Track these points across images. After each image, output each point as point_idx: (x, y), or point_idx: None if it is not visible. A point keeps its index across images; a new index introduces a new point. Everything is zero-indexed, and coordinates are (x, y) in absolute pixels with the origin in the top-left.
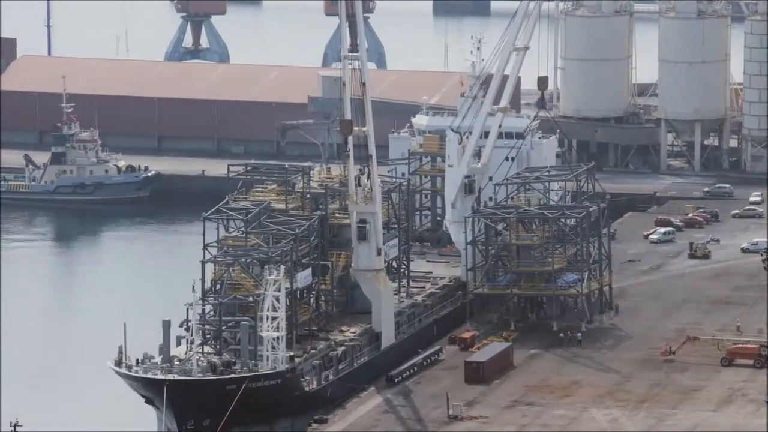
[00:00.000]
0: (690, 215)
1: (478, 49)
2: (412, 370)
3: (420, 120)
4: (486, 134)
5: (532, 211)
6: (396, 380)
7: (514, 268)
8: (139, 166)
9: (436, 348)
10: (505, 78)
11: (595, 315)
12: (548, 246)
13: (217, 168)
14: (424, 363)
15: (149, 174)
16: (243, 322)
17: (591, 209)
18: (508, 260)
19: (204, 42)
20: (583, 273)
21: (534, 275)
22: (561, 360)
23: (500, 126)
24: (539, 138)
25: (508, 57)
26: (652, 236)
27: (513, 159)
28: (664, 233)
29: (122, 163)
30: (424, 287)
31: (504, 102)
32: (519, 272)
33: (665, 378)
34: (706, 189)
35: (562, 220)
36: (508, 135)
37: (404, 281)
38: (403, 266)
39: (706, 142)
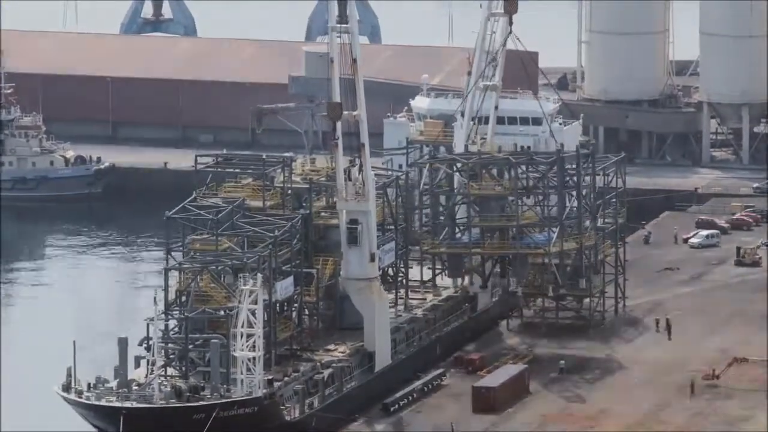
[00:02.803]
0: (737, 215)
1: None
2: (411, 397)
3: (420, 103)
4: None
5: (495, 157)
6: (392, 409)
7: (476, 224)
8: (91, 157)
9: (439, 371)
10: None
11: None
12: (516, 198)
13: (181, 160)
14: (425, 389)
15: (102, 166)
16: (213, 341)
17: (565, 155)
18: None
19: (167, 12)
20: (553, 230)
21: (500, 232)
22: (585, 385)
23: (497, 108)
24: (560, 123)
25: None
26: (692, 240)
27: (529, 148)
28: (707, 237)
29: (70, 154)
30: (425, 299)
31: (497, 78)
32: (481, 228)
33: (707, 406)
34: (756, 185)
35: (531, 167)
36: (524, 120)
37: (402, 292)
38: (401, 274)
39: (755, 130)
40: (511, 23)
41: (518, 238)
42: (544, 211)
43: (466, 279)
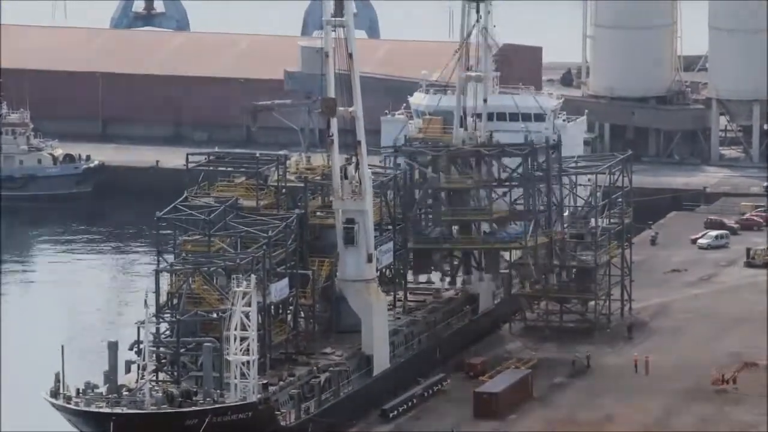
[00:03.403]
0: (747, 215)
1: (489, 13)
2: (410, 403)
3: (418, 99)
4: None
5: (463, 149)
6: (391, 415)
7: (445, 218)
8: (80, 155)
9: (440, 376)
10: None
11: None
12: (487, 191)
13: (174, 158)
14: (425, 394)
15: (92, 165)
16: (206, 344)
17: (538, 146)
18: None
19: (158, 6)
20: (529, 224)
21: (470, 226)
22: (590, 390)
23: (485, 101)
24: (563, 120)
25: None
26: (701, 241)
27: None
28: (716, 237)
29: (59, 152)
30: (424, 301)
31: (483, 70)
32: (450, 222)
33: (717, 412)
34: (766, 184)
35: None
36: (526, 117)
37: (401, 294)
38: (400, 276)
39: (766, 127)
40: (478, 11)
41: (491, 233)
42: (527, 205)
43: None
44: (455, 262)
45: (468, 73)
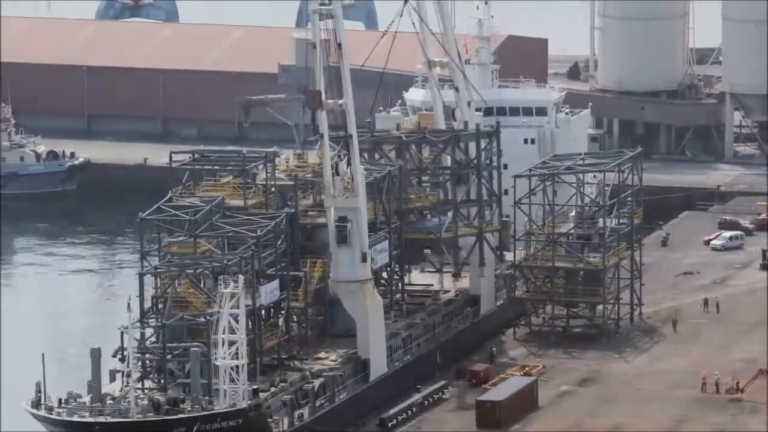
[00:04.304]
0: (763, 215)
1: (486, 3)
2: (409, 412)
3: (414, 95)
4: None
5: (390, 134)
6: (389, 424)
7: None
8: (64, 152)
9: (441, 383)
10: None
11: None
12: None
13: (162, 156)
14: (425, 402)
15: (76, 162)
16: (193, 349)
17: (460, 133)
18: None
19: None
20: (446, 214)
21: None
22: (598, 398)
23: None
24: (566, 114)
25: None
26: (714, 242)
27: (533, 141)
28: (730, 238)
29: (42, 149)
30: (423, 303)
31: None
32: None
33: (731, 421)
34: None
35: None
36: (527, 111)
37: (398, 296)
38: (396, 277)
39: None
40: None
41: (412, 223)
42: (446, 195)
43: None
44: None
45: (432, 59)
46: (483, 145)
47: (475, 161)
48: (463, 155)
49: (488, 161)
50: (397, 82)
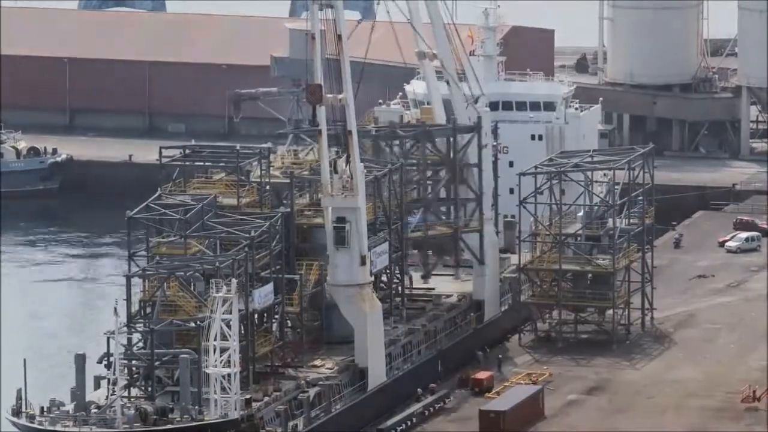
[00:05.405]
0: None
1: None
2: (410, 422)
3: (415, 87)
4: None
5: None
6: None
7: None
8: (45, 148)
9: (442, 392)
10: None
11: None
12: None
13: (148, 152)
14: (426, 412)
15: (58, 159)
16: (182, 356)
17: (433, 129)
18: None
19: None
20: (427, 212)
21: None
22: (607, 408)
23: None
24: (576, 109)
25: None
26: (729, 243)
27: (541, 137)
28: (746, 239)
29: (22, 145)
30: (424, 308)
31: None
32: None
33: None
34: None
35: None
36: (535, 105)
37: (398, 300)
38: (396, 280)
39: None
40: None
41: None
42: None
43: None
44: None
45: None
46: (466, 140)
47: (461, 157)
48: (441, 152)
49: (494, 157)
50: (399, 74)
